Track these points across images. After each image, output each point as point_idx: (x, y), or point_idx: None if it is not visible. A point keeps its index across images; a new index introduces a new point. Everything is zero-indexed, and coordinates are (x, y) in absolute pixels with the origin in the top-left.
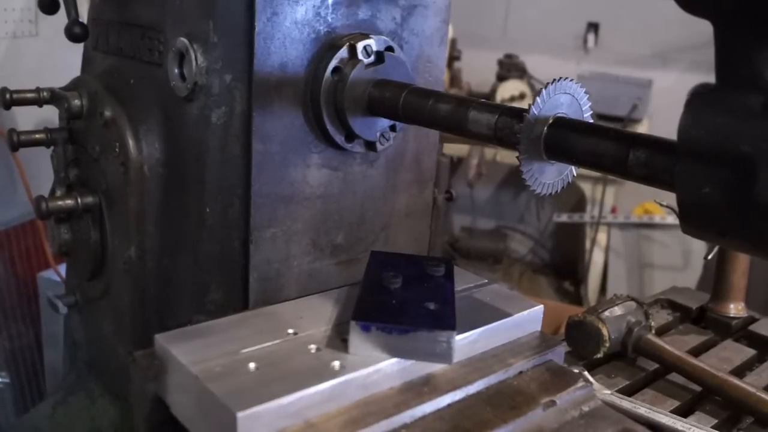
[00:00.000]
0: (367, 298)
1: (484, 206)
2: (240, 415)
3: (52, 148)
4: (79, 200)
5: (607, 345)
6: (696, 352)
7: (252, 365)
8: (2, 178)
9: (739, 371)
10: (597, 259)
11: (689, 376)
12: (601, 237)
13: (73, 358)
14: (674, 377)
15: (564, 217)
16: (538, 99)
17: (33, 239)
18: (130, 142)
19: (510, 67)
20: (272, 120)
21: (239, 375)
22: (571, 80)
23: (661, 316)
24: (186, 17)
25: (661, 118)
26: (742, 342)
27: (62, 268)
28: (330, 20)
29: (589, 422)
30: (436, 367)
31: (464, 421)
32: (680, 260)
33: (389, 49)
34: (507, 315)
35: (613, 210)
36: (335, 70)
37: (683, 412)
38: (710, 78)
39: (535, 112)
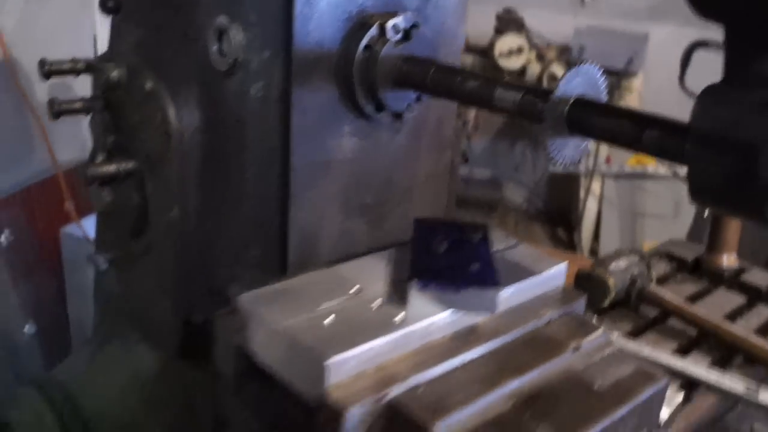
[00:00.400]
0: (421, 260)
1: (480, 157)
2: (329, 361)
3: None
4: (121, 166)
5: (613, 295)
6: (692, 299)
7: (328, 320)
8: (19, 137)
9: (732, 316)
10: (591, 207)
11: (687, 321)
12: (595, 186)
13: (106, 310)
14: (673, 322)
15: (559, 168)
16: (561, 82)
17: (54, 195)
18: (171, 113)
19: (508, 22)
20: (309, 94)
21: (320, 328)
22: (591, 64)
23: (660, 267)
24: None
25: (657, 72)
26: (734, 290)
27: (86, 224)
28: (361, 1)
29: (609, 364)
30: (479, 319)
31: (507, 362)
32: (671, 209)
33: (415, 26)
34: (536, 272)
35: (608, 160)
36: (366, 47)
37: (681, 352)
38: (705, 32)
39: (561, 91)
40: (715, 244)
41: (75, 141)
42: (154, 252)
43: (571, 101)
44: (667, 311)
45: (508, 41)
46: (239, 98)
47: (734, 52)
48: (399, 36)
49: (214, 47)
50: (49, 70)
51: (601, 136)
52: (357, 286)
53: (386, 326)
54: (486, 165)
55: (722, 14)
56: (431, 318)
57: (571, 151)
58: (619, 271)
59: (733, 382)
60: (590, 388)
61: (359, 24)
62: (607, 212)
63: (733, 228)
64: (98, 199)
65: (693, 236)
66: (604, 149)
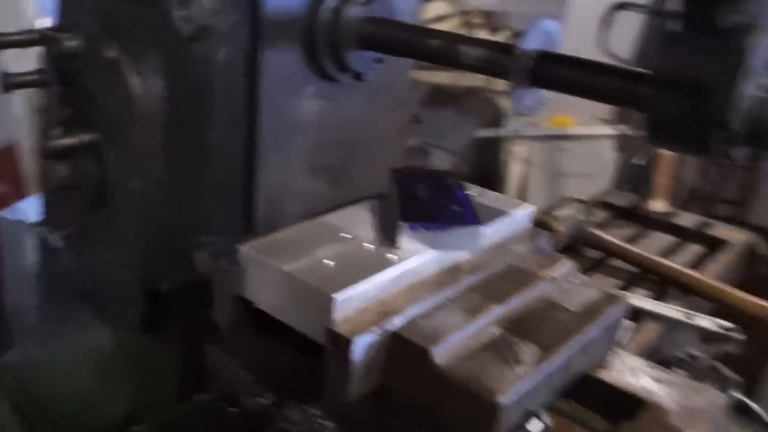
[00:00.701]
0: (407, 206)
1: None
2: (336, 296)
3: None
4: (81, 138)
5: (561, 239)
6: (629, 241)
7: (329, 262)
8: None
9: (665, 254)
10: (517, 170)
11: (627, 260)
12: (519, 149)
13: (55, 291)
14: (615, 262)
15: (483, 132)
16: (525, 36)
17: None
18: (134, 81)
19: None
20: (276, 57)
21: (322, 270)
22: (549, 19)
23: (600, 215)
24: None
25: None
26: (666, 232)
27: (24, 207)
28: None
29: (577, 289)
30: (462, 256)
31: (490, 293)
32: (592, 167)
33: None
34: (506, 214)
35: (530, 123)
36: (331, 9)
37: (623, 288)
38: None
39: (522, 47)
40: (647, 192)
41: (4, 122)
42: (115, 224)
43: (535, 56)
44: (608, 252)
45: (435, 7)
46: (205, 64)
47: (689, 3)
48: None
49: (178, 13)
50: (2, 42)
51: (564, 88)
52: (347, 233)
53: (383, 265)
54: (411, 134)
55: None
56: (422, 256)
57: (531, 101)
58: (564, 217)
59: (672, 310)
60: (565, 310)
61: None
62: (532, 173)
63: (666, 175)
64: (54, 174)
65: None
66: None
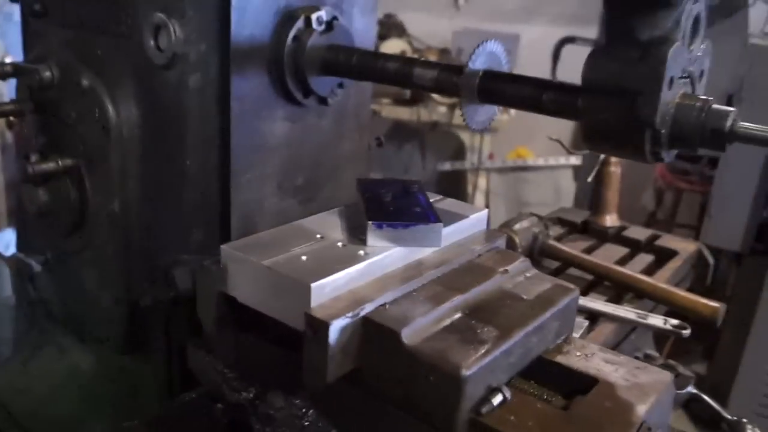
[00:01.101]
0: (373, 207)
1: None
2: (313, 284)
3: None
4: (60, 163)
5: (519, 251)
6: (584, 253)
7: (304, 257)
8: None
9: (618, 264)
10: (479, 201)
11: (583, 268)
12: (482, 181)
13: (33, 318)
14: (571, 271)
15: (447, 165)
16: (472, 56)
17: None
18: (110, 107)
19: (390, 26)
20: (245, 82)
21: (298, 264)
22: (494, 41)
23: (554, 230)
24: None
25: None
26: (618, 244)
27: None
28: None
29: (532, 282)
30: (425, 253)
31: (451, 284)
32: (551, 196)
33: (335, 18)
34: (464, 217)
35: (491, 156)
36: (294, 38)
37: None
38: (571, 30)
39: (470, 66)
40: (599, 207)
41: None
42: (94, 246)
43: (480, 74)
44: (565, 262)
45: (392, 45)
46: (178, 90)
47: (613, 21)
48: (322, 27)
49: (151, 42)
50: None
51: (507, 101)
52: (319, 234)
53: (353, 259)
54: (376, 168)
55: None
56: (388, 251)
57: (482, 117)
58: (522, 230)
59: (626, 312)
60: (521, 299)
61: (287, 17)
62: (494, 203)
63: (614, 191)
64: (33, 199)
65: None
66: (487, 145)
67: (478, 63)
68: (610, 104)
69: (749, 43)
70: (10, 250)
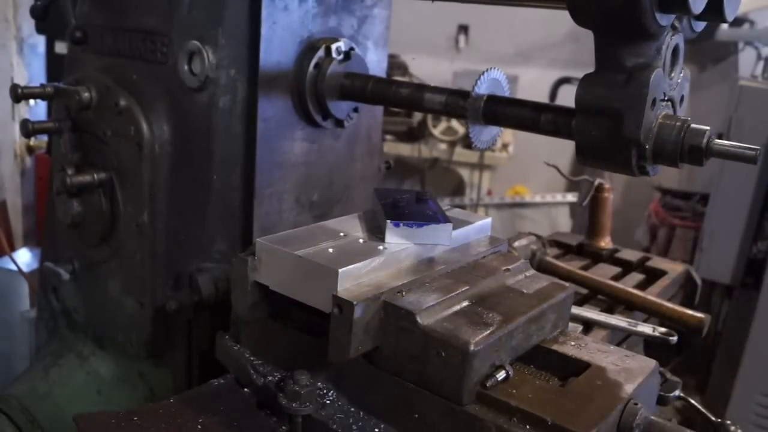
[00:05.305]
0: (390, 210)
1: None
2: (340, 270)
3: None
4: (95, 176)
5: None
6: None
7: (330, 250)
8: None
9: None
10: None
11: (578, 282)
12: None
13: (54, 328)
14: None
15: (446, 201)
16: (477, 82)
17: None
18: (144, 126)
19: (393, 66)
20: (270, 104)
21: (326, 254)
22: (497, 69)
23: (551, 251)
24: (195, 25)
25: None
26: (612, 264)
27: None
28: (310, 27)
29: (531, 280)
30: (436, 251)
31: (459, 278)
32: (548, 232)
33: (352, 49)
34: (470, 223)
35: (489, 193)
36: (315, 65)
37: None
38: (566, 72)
39: (477, 91)
40: (593, 230)
41: None
42: (122, 255)
43: (485, 98)
44: (561, 276)
45: None
46: (208, 110)
47: (602, 48)
48: (341, 56)
49: (185, 67)
50: (21, 94)
51: (508, 123)
52: (342, 233)
53: (373, 252)
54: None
55: (592, 21)
56: (404, 247)
57: (486, 137)
58: (521, 247)
59: (617, 320)
60: (521, 293)
61: (309, 47)
62: None
63: (607, 215)
64: (67, 210)
65: None
66: (486, 182)
67: (483, 88)
68: (600, 123)
69: (738, 84)
70: (25, 268)
